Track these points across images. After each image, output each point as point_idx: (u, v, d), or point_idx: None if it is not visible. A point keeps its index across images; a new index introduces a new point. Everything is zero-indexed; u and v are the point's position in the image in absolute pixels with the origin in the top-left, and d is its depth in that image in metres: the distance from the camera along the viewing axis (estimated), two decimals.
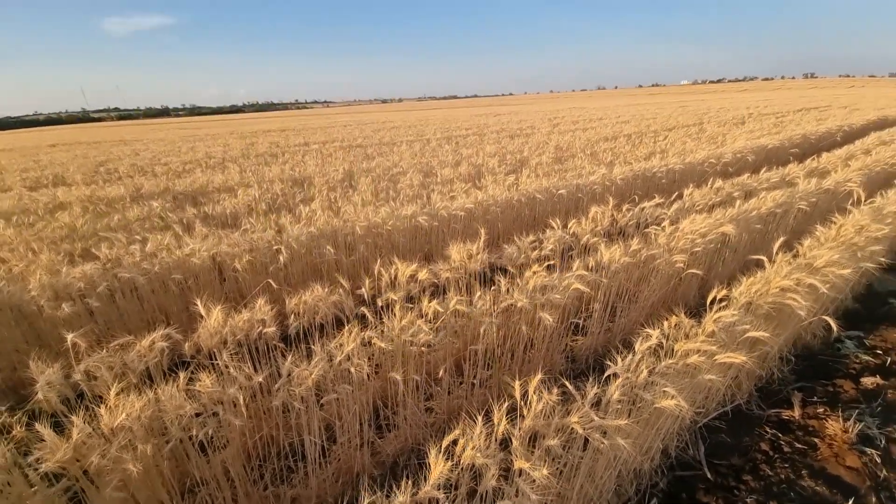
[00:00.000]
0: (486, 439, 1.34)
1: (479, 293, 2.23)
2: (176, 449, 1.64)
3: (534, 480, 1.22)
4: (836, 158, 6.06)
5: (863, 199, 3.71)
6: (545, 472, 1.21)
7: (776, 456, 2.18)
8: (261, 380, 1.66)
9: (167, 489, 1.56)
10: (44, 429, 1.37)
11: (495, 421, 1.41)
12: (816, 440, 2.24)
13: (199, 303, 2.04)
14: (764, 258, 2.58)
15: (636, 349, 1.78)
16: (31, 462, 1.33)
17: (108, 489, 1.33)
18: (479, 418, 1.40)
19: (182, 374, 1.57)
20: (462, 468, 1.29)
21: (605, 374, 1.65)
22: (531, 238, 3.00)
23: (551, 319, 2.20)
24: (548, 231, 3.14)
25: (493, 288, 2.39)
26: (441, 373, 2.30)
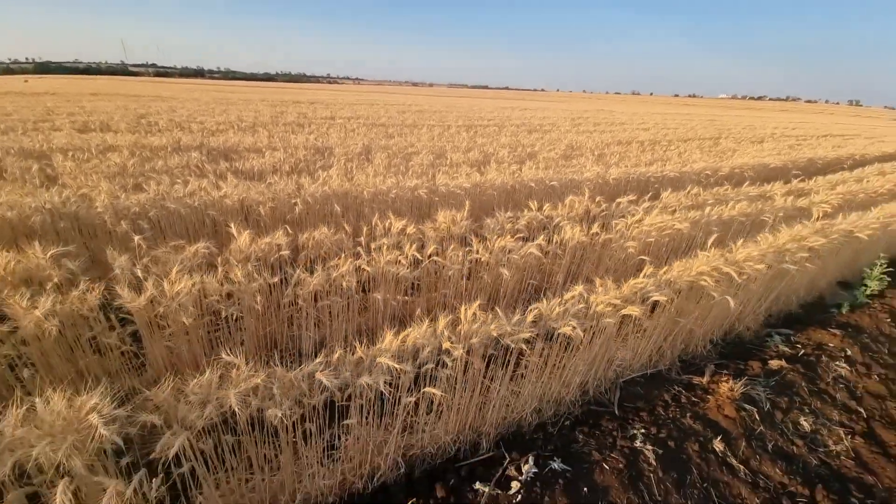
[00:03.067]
0: (428, 331, 1.89)
1: (452, 246, 2.77)
2: (209, 323, 2.25)
3: (453, 356, 1.77)
4: (825, 182, 6.35)
5: (818, 217, 4.10)
6: (461, 350, 1.76)
7: (672, 403, 2.69)
8: (275, 280, 2.24)
9: (202, 348, 2.16)
10: (123, 289, 1.97)
11: (440, 323, 1.95)
12: (710, 396, 2.74)
13: (232, 226, 2.63)
14: (699, 251, 3.05)
15: (563, 298, 2.31)
16: (115, 306, 1.94)
17: (167, 333, 1.93)
18: (427, 321, 1.95)
19: (220, 269, 2.16)
20: (408, 347, 1.85)
21: (529, 308, 2.18)
22: (509, 214, 3.52)
23: (508, 274, 2.74)
24: (525, 211, 3.64)
25: (465, 247, 2.94)
26: (416, 314, 2.86)
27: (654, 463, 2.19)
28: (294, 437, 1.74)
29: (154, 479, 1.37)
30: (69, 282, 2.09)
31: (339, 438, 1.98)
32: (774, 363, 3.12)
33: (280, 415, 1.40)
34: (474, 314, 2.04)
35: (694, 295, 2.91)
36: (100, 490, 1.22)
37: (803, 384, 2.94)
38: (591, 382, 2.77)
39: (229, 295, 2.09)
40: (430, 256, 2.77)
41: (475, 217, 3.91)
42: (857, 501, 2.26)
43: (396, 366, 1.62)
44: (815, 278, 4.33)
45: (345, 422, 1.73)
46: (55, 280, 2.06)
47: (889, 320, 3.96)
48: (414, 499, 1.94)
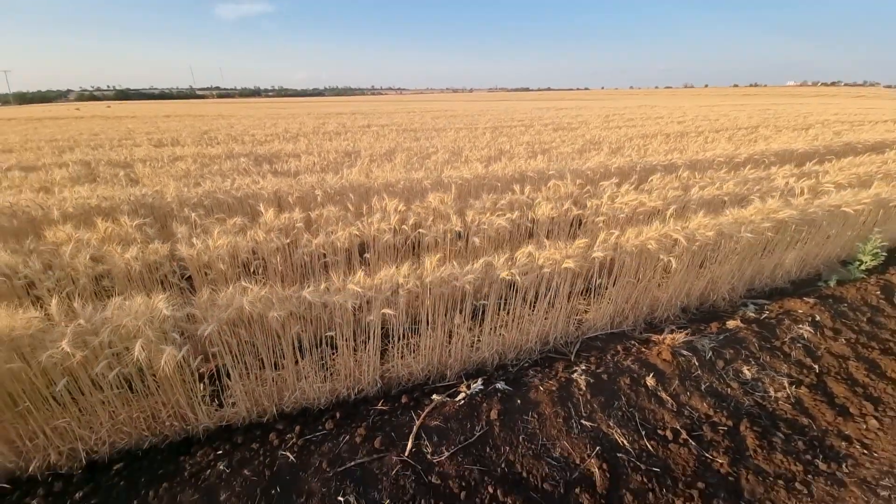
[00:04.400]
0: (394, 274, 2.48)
1: (431, 219, 3.34)
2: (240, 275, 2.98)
3: (406, 288, 2.34)
4: (848, 163, 6.20)
5: (801, 193, 4.20)
6: (412, 283, 2.33)
7: (622, 351, 3.07)
8: (289, 241, 2.93)
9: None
10: (182, 245, 2.75)
11: (403, 267, 2.53)
12: (655, 346, 3.08)
13: (261, 206, 3.38)
14: (658, 222, 3.40)
15: (514, 254, 2.81)
16: (175, 255, 2.72)
17: (210, 277, 2.67)
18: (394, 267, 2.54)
19: (249, 233, 2.89)
20: (376, 283, 2.44)
21: (482, 260, 2.70)
22: (493, 196, 4.03)
23: (478, 242, 3.27)
24: (508, 194, 4.14)
25: (449, 221, 3.50)
26: None
27: (584, 388, 2.62)
28: (293, 347, 2.39)
29: (198, 357, 2.06)
30: (146, 242, 2.91)
31: (330, 359, 2.61)
32: (731, 323, 3.38)
33: (277, 315, 2.05)
34: (434, 265, 2.60)
35: (651, 261, 3.26)
36: (160, 353, 1.92)
37: (755, 341, 3.19)
38: (551, 334, 3.21)
39: (254, 252, 2.81)
40: (415, 227, 3.36)
41: (470, 202, 4.45)
42: (782, 436, 2.55)
43: (360, 290, 2.22)
44: (806, 256, 4.42)
45: (327, 333, 2.36)
46: (138, 240, 2.89)
47: (879, 293, 3.99)
48: (382, 400, 2.54)
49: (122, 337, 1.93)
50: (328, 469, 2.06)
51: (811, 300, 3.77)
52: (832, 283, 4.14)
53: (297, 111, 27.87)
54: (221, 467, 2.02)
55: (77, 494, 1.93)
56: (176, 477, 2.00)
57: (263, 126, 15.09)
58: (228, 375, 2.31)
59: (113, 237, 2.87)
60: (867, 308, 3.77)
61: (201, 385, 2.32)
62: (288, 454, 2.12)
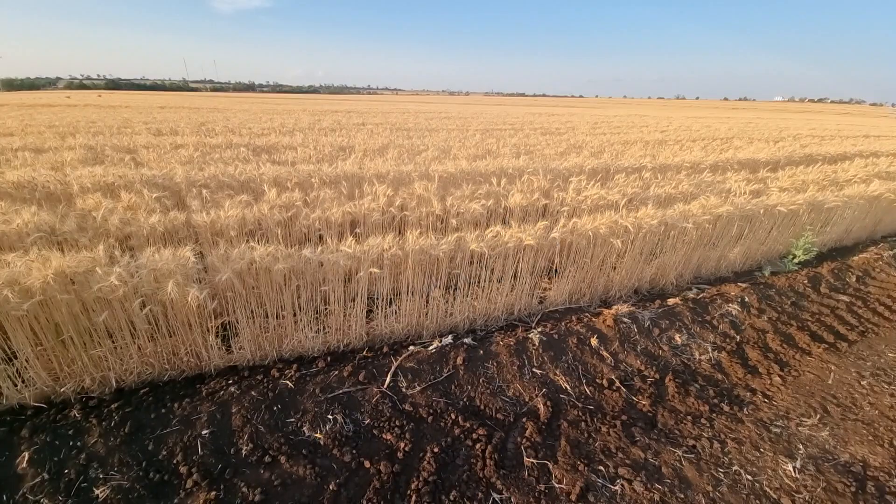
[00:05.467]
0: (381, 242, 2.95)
1: (415, 202, 3.82)
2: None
3: (390, 253, 2.81)
4: (800, 171, 6.83)
5: (741, 193, 4.77)
6: (395, 250, 2.79)
7: (575, 319, 3.58)
8: (289, 215, 3.38)
9: None
10: (195, 214, 3.18)
11: (388, 238, 3.00)
12: (601, 316, 3.59)
13: (265, 187, 3.82)
14: (612, 211, 3.92)
15: (483, 232, 3.30)
16: (192, 224, 3.15)
17: (223, 241, 3.11)
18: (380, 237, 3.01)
19: (255, 208, 3.33)
20: (364, 248, 2.91)
21: (455, 234, 3.18)
22: (473, 187, 4.52)
23: (455, 223, 3.75)
24: (485, 185, 4.63)
25: (431, 205, 3.97)
26: None
27: (537, 344, 3.11)
28: (293, 300, 2.84)
29: (214, 299, 2.51)
30: (164, 212, 3.33)
31: (324, 315, 3.07)
32: (671, 301, 3.91)
33: (281, 268, 2.50)
34: (416, 237, 3.08)
35: (604, 245, 3.77)
36: (187, 293, 2.36)
37: (689, 314, 3.72)
38: (516, 305, 3.70)
39: (259, 223, 3.25)
40: (401, 209, 3.83)
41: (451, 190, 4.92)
42: (698, 386, 3.07)
43: (350, 251, 2.69)
44: (748, 251, 4.99)
45: (322, 288, 2.82)
46: (157, 210, 3.31)
47: (806, 282, 4.57)
48: (367, 349, 3.00)
49: (152, 281, 2.37)
50: (320, 395, 2.51)
51: (744, 285, 4.32)
52: (767, 273, 4.71)
53: (292, 107, 28.13)
54: (232, 389, 2.47)
55: (112, 405, 2.36)
56: (195, 396, 2.44)
57: (259, 120, 15.43)
58: (237, 322, 2.76)
59: (135, 206, 3.29)
60: (793, 293, 4.34)
61: (214, 330, 2.75)
62: (287, 382, 2.57)
